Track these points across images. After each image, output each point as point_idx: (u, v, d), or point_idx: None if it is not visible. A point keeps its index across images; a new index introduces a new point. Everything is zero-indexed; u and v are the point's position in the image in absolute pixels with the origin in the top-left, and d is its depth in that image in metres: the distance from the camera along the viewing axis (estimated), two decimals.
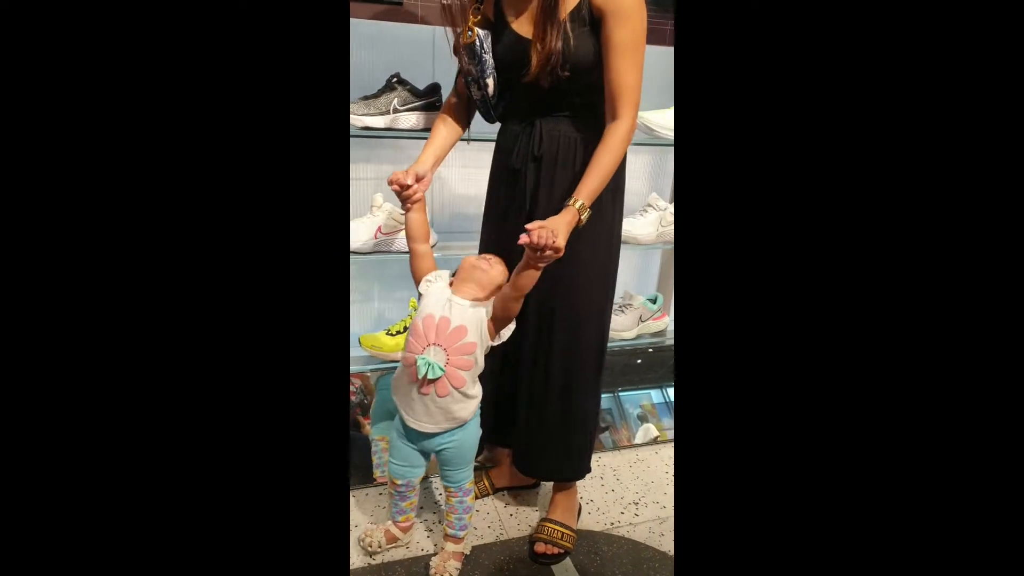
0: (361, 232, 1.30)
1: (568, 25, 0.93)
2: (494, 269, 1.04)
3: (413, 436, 1.10)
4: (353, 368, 1.41)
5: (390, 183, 1.01)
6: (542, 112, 1.03)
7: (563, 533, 1.22)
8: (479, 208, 1.18)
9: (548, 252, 0.91)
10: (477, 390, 1.08)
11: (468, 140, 1.15)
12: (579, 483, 1.39)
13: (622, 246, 1.20)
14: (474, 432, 1.13)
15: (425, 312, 1.03)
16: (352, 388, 1.57)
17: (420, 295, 1.06)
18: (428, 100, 1.25)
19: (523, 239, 0.90)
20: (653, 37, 1.04)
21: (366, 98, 1.22)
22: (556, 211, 1.05)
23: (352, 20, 1.24)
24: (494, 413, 1.21)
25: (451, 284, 1.05)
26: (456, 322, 1.01)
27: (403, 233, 1.34)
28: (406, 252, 1.33)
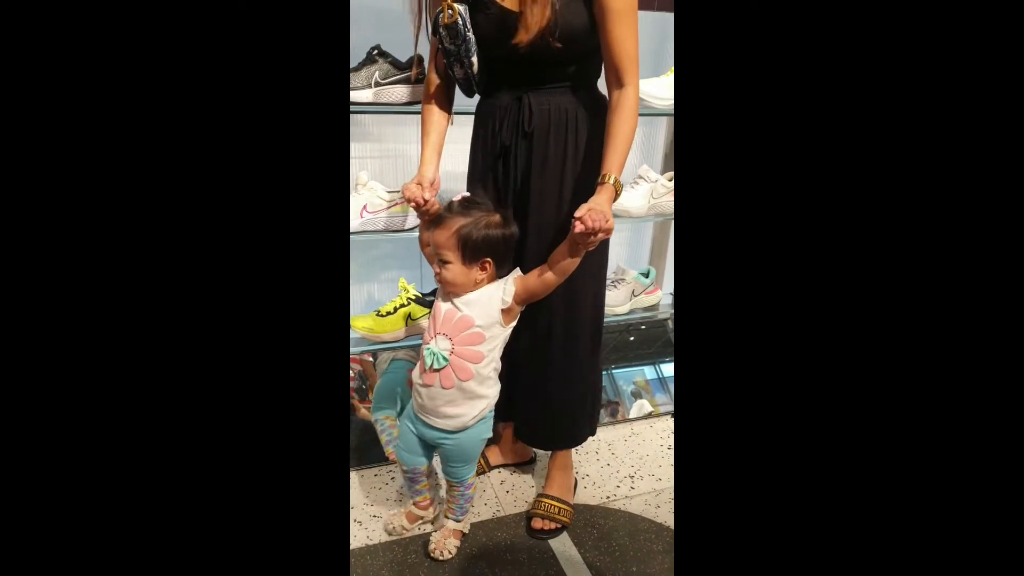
0: None
1: None
2: (448, 271, 0.98)
3: (419, 425, 1.08)
4: None
5: (407, 201, 0.99)
6: (529, 86, 1.00)
7: (560, 508, 1.23)
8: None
9: (601, 235, 0.90)
10: (487, 389, 1.04)
11: (450, 118, 1.11)
12: (575, 457, 1.40)
13: (614, 219, 1.17)
14: (478, 435, 1.09)
15: (436, 301, 1.02)
16: (351, 373, 1.55)
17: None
18: (409, 72, 1.21)
19: (577, 227, 0.88)
20: (641, 2, 1.00)
21: None
22: (550, 188, 1.04)
23: None
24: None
25: None
26: (462, 312, 0.99)
27: (388, 212, 1.32)
28: (393, 231, 1.31)
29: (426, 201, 0.98)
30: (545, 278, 1.00)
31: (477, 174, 1.11)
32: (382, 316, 1.34)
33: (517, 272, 1.03)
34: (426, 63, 1.10)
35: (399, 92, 1.21)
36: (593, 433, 1.26)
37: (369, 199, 1.28)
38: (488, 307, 1.00)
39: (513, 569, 1.12)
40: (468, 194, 1.02)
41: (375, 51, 1.20)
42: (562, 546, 1.18)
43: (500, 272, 1.02)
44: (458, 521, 1.17)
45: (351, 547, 1.15)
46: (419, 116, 1.10)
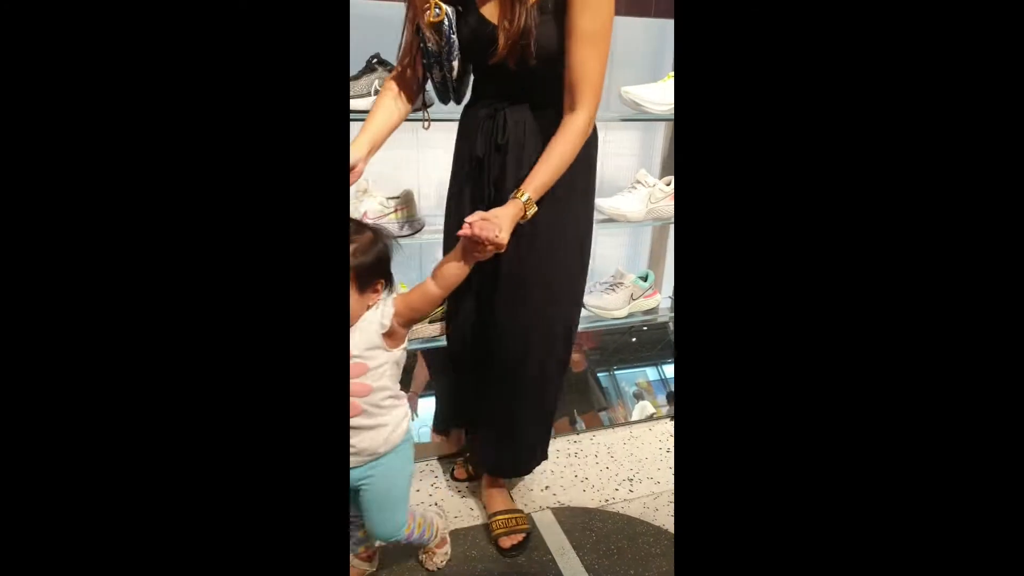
0: None
1: (535, 11, 0.90)
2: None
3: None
4: None
5: None
6: (507, 99, 0.99)
7: (516, 518, 1.23)
8: None
9: (489, 248, 0.86)
10: (384, 417, 0.92)
11: (427, 122, 1.10)
12: (576, 461, 1.40)
13: (612, 224, 1.18)
14: (398, 467, 0.95)
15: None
16: None
17: None
18: None
19: (464, 230, 0.85)
20: (637, 8, 1.01)
21: None
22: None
23: None
24: (455, 399, 1.19)
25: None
26: None
27: (392, 217, 1.33)
28: (395, 236, 1.32)
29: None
30: (427, 290, 0.93)
31: (456, 186, 1.10)
32: None
33: (399, 290, 0.95)
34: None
35: None
36: (546, 457, 1.26)
37: (370, 206, 1.29)
38: (366, 334, 0.89)
39: (514, 573, 1.13)
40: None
41: (374, 59, 1.21)
42: (560, 549, 1.19)
43: (388, 290, 0.94)
44: (425, 545, 1.11)
45: None
46: (419, 124, 1.11)
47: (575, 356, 1.63)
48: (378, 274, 0.90)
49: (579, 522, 1.26)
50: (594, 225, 1.12)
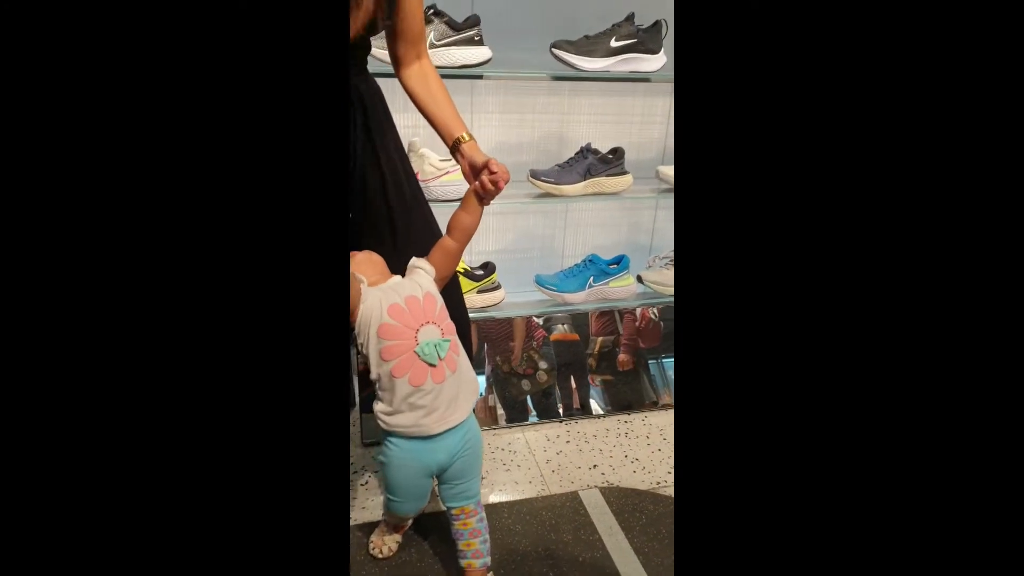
0: None
1: None
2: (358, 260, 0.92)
3: (425, 451, 0.91)
4: None
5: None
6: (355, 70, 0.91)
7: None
8: (522, 156, 1.10)
9: (502, 183, 0.89)
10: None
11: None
12: (627, 441, 1.34)
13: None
14: (476, 423, 0.97)
15: (386, 292, 0.89)
16: None
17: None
18: (467, 34, 1.16)
19: (496, 178, 0.87)
20: None
21: None
22: (402, 168, 0.97)
23: None
24: None
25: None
26: (423, 290, 0.91)
27: (440, 180, 1.28)
28: (446, 200, 1.28)
29: None
30: (447, 247, 0.94)
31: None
32: None
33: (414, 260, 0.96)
34: (485, 24, 1.03)
35: (455, 55, 1.16)
36: None
37: (421, 167, 1.25)
38: (426, 281, 0.93)
39: (559, 551, 1.10)
40: None
41: (430, 10, 1.15)
42: (608, 529, 1.15)
43: None
44: (486, 562, 0.97)
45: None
46: (475, 81, 1.05)
47: (623, 357, 1.55)
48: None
49: (628, 503, 1.21)
50: (657, 197, 1.06)
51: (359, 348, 0.89)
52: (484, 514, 0.97)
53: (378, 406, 0.90)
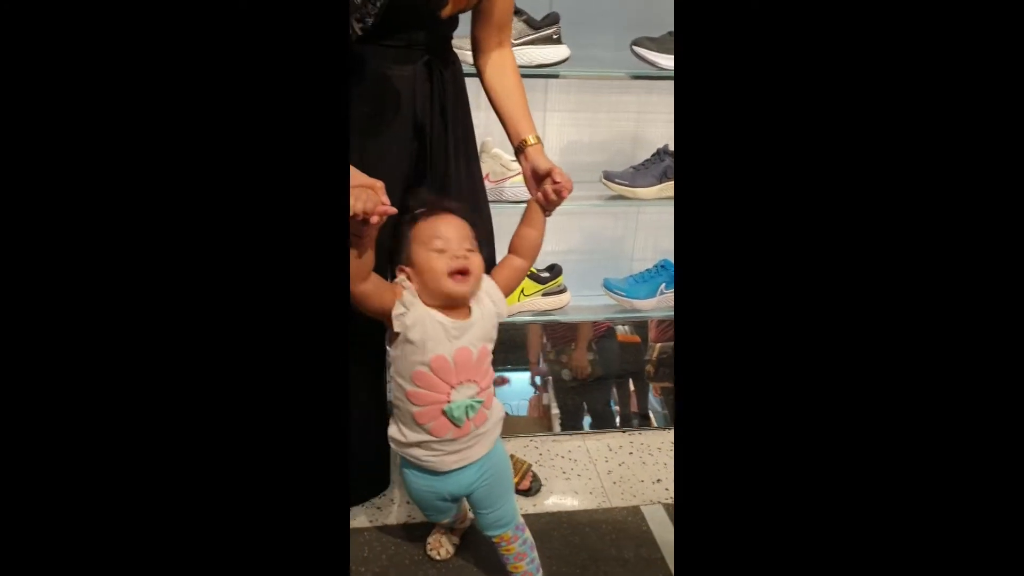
0: None
1: None
2: (474, 262, 0.81)
3: (441, 483, 0.87)
4: None
5: (361, 215, 0.67)
6: (430, 53, 0.84)
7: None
8: (594, 156, 1.06)
9: (565, 194, 0.85)
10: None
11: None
12: (658, 454, 1.29)
13: None
14: (503, 451, 0.92)
15: (434, 352, 0.79)
16: None
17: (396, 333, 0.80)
18: (546, 32, 1.13)
19: (557, 187, 0.83)
20: None
21: None
22: (466, 167, 0.94)
23: None
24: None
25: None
26: (477, 345, 0.83)
27: (511, 181, 1.26)
28: (516, 202, 1.26)
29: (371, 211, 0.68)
30: (515, 266, 0.89)
31: (380, 155, 0.88)
32: (526, 295, 1.30)
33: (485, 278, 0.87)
34: (564, 21, 1.00)
35: (532, 54, 1.13)
36: None
37: (492, 167, 1.23)
38: (486, 327, 0.83)
39: (618, 569, 1.06)
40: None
41: None
42: (671, 547, 1.10)
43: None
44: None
45: None
46: (551, 81, 1.02)
47: None
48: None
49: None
50: None
51: (388, 358, 0.85)
52: (528, 534, 0.93)
53: (392, 429, 0.85)
